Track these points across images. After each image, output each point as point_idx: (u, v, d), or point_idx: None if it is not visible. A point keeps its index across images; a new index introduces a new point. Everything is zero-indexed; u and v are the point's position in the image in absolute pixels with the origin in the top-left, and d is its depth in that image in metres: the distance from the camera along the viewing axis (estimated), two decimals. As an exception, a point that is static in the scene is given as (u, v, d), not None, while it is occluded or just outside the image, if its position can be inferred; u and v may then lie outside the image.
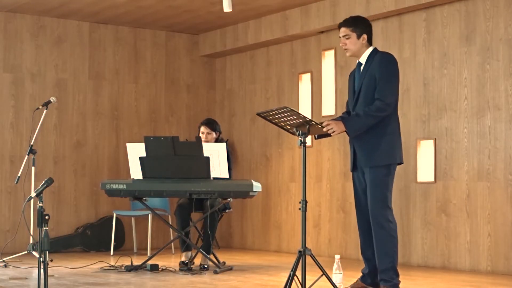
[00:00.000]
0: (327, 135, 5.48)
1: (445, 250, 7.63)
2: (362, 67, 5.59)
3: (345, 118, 5.49)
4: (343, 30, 5.58)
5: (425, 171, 7.88)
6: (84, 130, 9.82)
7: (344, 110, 5.90)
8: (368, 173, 5.46)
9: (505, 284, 6.48)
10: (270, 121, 5.39)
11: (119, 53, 10.12)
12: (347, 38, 5.56)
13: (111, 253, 9.07)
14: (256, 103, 10.10)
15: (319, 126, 5.32)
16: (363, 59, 5.59)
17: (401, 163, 5.57)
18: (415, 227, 7.90)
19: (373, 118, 5.39)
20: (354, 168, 5.60)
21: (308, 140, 7.99)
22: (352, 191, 8.03)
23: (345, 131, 5.42)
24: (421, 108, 7.94)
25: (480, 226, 7.34)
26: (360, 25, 5.57)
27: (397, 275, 5.43)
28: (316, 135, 5.62)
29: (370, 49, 5.59)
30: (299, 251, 5.14)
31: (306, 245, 5.15)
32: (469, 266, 7.40)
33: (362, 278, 5.60)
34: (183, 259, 7.37)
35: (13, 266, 7.55)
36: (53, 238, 9.23)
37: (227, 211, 7.81)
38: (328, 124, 5.37)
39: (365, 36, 5.55)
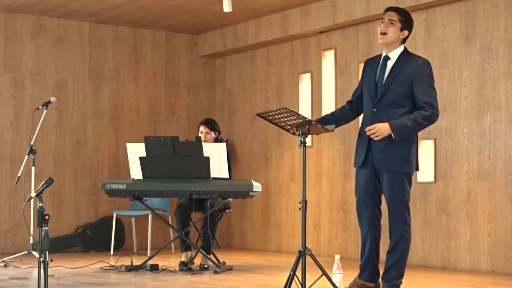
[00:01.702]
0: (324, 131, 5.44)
1: (445, 250, 7.63)
2: (390, 64, 5.44)
3: (392, 121, 5.29)
4: (391, 14, 5.43)
5: (425, 171, 7.88)
6: (84, 130, 9.82)
7: (347, 100, 5.77)
8: (386, 176, 5.38)
9: (505, 284, 6.48)
10: (270, 121, 5.35)
11: (119, 53, 10.12)
12: (391, 23, 5.40)
13: (111, 253, 9.07)
14: (256, 103, 10.10)
15: (320, 126, 5.29)
16: (393, 55, 5.44)
17: (417, 169, 5.50)
18: (415, 227, 7.89)
19: (421, 126, 5.32)
20: (363, 164, 5.48)
21: (308, 140, 7.99)
22: (352, 191, 8.04)
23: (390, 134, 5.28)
24: (421, 108, 7.93)
25: (480, 226, 7.34)
26: (408, 20, 5.44)
27: (401, 275, 5.40)
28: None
29: (402, 47, 5.46)
30: (299, 251, 5.13)
31: (306, 245, 5.14)
32: (469, 266, 7.40)
33: (360, 275, 5.58)
34: (183, 259, 7.37)
35: (13, 266, 7.55)
36: (53, 238, 9.23)
37: (227, 211, 7.81)
38: (373, 130, 5.27)
39: (406, 32, 5.43)
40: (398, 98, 5.37)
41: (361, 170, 5.53)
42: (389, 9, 5.51)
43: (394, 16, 5.43)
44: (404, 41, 5.50)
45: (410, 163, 5.38)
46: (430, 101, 5.32)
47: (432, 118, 5.32)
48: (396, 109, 5.35)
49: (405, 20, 5.44)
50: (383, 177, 5.40)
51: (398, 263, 5.38)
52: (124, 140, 9.76)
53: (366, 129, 5.36)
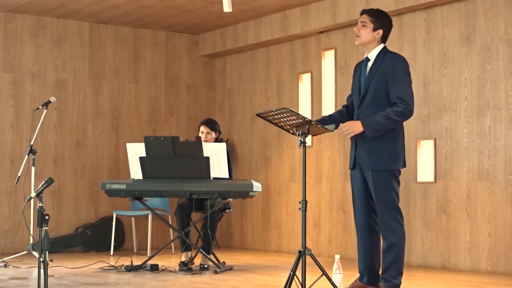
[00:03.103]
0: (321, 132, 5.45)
1: (445, 250, 7.63)
2: (370, 64, 5.48)
3: (364, 118, 5.35)
4: (363, 17, 5.50)
5: (425, 171, 7.88)
6: (84, 130, 9.82)
7: (344, 104, 5.81)
8: (370, 176, 5.39)
9: (505, 284, 6.48)
10: (270, 121, 5.36)
11: (119, 53, 10.12)
12: (363, 25, 5.47)
13: (111, 253, 9.07)
14: (256, 103, 10.10)
15: (320, 126, 5.30)
16: (371, 56, 5.49)
17: (404, 166, 5.51)
18: (415, 227, 7.89)
19: (394, 122, 5.30)
20: (353, 166, 5.54)
21: (308, 140, 7.99)
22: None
23: (363, 131, 5.31)
24: (421, 108, 7.93)
25: (480, 226, 7.34)
26: (381, 19, 5.48)
27: (400, 273, 5.40)
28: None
29: (381, 46, 5.49)
30: (299, 251, 5.13)
31: (306, 245, 5.14)
32: (469, 266, 7.40)
33: (360, 278, 5.60)
34: (183, 259, 7.37)
35: (13, 266, 7.55)
36: (53, 238, 9.23)
37: (227, 211, 7.81)
38: (345, 126, 5.30)
39: (380, 31, 5.45)
40: (377, 98, 5.40)
41: (353, 172, 5.59)
42: (361, 12, 5.57)
43: (365, 18, 5.50)
44: (383, 40, 5.51)
45: (394, 160, 5.38)
46: (402, 96, 5.31)
47: (405, 113, 5.31)
48: (376, 109, 5.37)
49: (377, 19, 5.48)
50: (369, 177, 5.42)
51: (395, 262, 5.38)
52: (124, 140, 9.76)
53: (339, 128, 5.36)
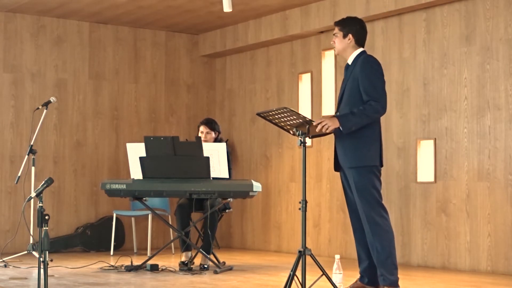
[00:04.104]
0: (321, 134, 5.47)
1: (445, 250, 7.63)
2: (348, 69, 5.63)
3: (340, 114, 5.46)
4: (334, 29, 5.67)
5: (425, 171, 7.88)
6: (84, 130, 9.82)
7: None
8: (350, 175, 5.47)
9: (505, 284, 6.49)
10: (270, 121, 5.39)
11: (119, 53, 10.12)
12: (336, 36, 5.64)
13: (111, 253, 9.07)
14: (256, 103, 10.10)
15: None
16: (350, 60, 5.64)
17: (381, 165, 5.53)
18: (415, 227, 7.89)
19: (367, 119, 5.38)
20: (337, 168, 5.62)
21: (308, 140, 7.99)
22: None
23: (339, 127, 5.35)
24: (421, 108, 7.94)
25: (480, 226, 7.34)
26: (347, 25, 5.61)
27: (395, 267, 5.42)
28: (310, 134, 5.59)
29: (359, 51, 5.61)
30: (299, 251, 5.14)
31: (306, 245, 5.15)
32: (469, 266, 7.40)
33: (361, 278, 5.61)
34: (183, 259, 7.37)
35: (13, 266, 7.55)
36: (53, 238, 9.23)
37: (227, 211, 7.81)
38: (322, 121, 5.34)
39: (350, 36, 5.58)
40: (351, 99, 5.50)
41: (340, 173, 5.66)
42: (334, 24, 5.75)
43: (335, 29, 5.69)
44: (359, 43, 5.62)
45: (370, 157, 5.43)
46: (373, 94, 5.41)
47: (378, 110, 5.40)
48: (351, 109, 5.45)
49: (344, 27, 5.63)
50: (350, 176, 5.49)
51: (389, 258, 5.40)
52: (124, 140, 9.76)
53: (314, 124, 5.36)
